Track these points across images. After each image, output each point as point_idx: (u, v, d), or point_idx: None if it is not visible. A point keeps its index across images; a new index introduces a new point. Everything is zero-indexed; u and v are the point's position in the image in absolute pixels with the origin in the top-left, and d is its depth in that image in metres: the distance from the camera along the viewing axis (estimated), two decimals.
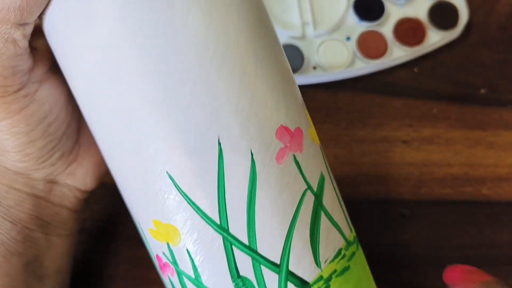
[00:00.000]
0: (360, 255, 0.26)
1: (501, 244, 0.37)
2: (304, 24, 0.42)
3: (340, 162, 0.38)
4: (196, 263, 0.22)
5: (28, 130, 0.25)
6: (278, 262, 0.22)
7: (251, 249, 0.22)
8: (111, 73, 0.21)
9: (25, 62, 0.24)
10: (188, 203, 0.22)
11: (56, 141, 0.26)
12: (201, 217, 0.22)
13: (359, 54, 0.41)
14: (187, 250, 0.22)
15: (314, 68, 0.41)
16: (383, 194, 0.38)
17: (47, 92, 0.25)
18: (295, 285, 0.22)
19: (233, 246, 0.22)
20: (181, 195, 0.22)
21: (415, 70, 0.42)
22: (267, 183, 0.22)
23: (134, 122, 0.21)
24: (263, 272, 0.22)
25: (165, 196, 0.22)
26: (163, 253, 0.24)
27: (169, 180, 0.22)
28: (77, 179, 0.28)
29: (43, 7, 0.22)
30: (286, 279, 0.22)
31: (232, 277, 0.22)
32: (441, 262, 0.36)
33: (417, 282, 0.35)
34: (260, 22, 0.23)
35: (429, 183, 0.38)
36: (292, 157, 0.23)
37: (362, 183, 0.38)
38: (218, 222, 0.22)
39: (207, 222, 0.22)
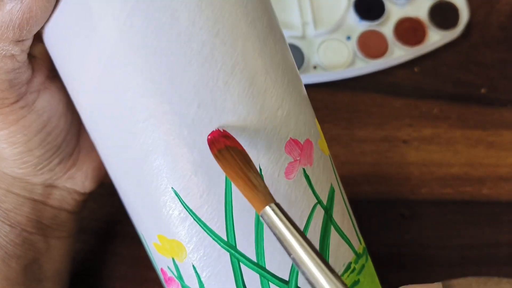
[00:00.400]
0: (369, 267, 0.26)
1: (501, 244, 0.37)
2: (304, 24, 0.42)
3: (340, 162, 0.38)
4: (203, 279, 0.22)
5: (26, 140, 0.24)
6: (287, 278, 0.22)
7: (259, 266, 0.21)
8: (113, 88, 0.21)
9: (23, 74, 0.23)
10: (194, 219, 0.21)
11: (55, 149, 0.26)
12: (207, 233, 0.21)
13: (359, 54, 0.41)
14: (193, 266, 0.22)
15: (315, 67, 0.41)
16: (383, 194, 0.38)
17: (46, 102, 0.25)
18: None
19: (240, 263, 0.21)
20: (187, 211, 0.21)
21: (416, 69, 0.42)
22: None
23: (137, 136, 0.21)
24: None
25: (170, 212, 0.22)
26: (168, 267, 0.23)
27: (174, 196, 0.21)
28: (76, 183, 0.28)
29: (43, 23, 0.21)
30: None
31: None
32: (441, 262, 0.36)
33: (417, 282, 0.35)
34: (270, 30, 0.22)
35: (429, 183, 0.38)
36: (302, 171, 0.22)
37: (362, 183, 0.38)
38: (225, 239, 0.21)
39: (213, 239, 0.21)
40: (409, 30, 0.42)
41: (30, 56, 0.24)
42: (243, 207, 0.21)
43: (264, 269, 0.22)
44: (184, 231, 0.22)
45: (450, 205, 0.38)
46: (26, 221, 0.27)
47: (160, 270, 0.25)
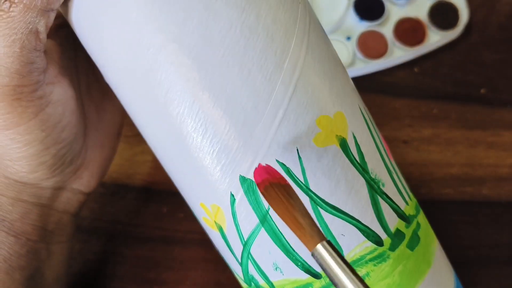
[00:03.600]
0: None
1: (501, 244, 0.37)
2: None
3: None
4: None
5: (43, 137, 0.24)
6: None
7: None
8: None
9: (42, 59, 0.22)
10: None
11: (68, 147, 0.25)
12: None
13: (359, 54, 0.41)
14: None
15: None
16: None
17: (60, 95, 0.24)
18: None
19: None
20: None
21: (415, 70, 0.42)
22: None
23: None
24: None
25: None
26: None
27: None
28: (83, 182, 0.28)
29: None
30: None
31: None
32: None
33: None
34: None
35: (429, 183, 0.38)
36: None
37: None
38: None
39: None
40: (409, 31, 0.42)
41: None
42: None
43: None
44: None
45: (450, 206, 0.38)
46: (32, 229, 0.26)
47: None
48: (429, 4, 0.43)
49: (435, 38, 0.42)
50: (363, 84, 0.41)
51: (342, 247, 0.22)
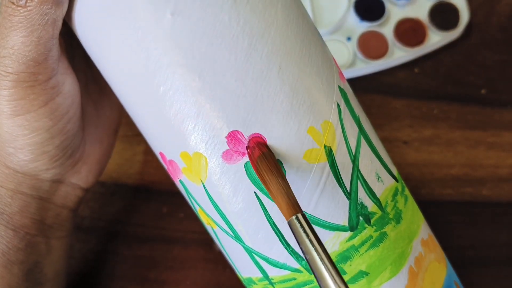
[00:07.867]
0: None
1: (501, 245, 0.37)
2: None
3: None
4: None
5: (50, 126, 0.24)
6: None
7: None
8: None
9: (57, 48, 0.23)
10: None
11: (71, 139, 0.26)
12: None
13: (359, 55, 0.41)
14: None
15: None
16: None
17: (71, 86, 0.25)
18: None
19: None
20: None
21: (416, 70, 0.42)
22: None
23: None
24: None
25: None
26: None
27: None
28: (81, 177, 0.28)
29: None
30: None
31: None
32: None
33: None
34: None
35: (429, 184, 0.38)
36: None
37: None
38: None
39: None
40: (409, 31, 0.42)
41: None
42: None
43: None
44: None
45: (450, 206, 0.38)
46: (30, 223, 0.26)
47: None
48: (430, 4, 0.43)
49: (436, 39, 0.42)
50: (363, 84, 0.41)
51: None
